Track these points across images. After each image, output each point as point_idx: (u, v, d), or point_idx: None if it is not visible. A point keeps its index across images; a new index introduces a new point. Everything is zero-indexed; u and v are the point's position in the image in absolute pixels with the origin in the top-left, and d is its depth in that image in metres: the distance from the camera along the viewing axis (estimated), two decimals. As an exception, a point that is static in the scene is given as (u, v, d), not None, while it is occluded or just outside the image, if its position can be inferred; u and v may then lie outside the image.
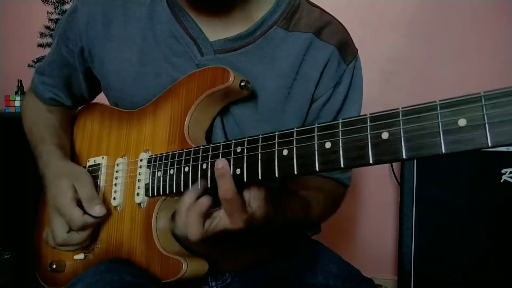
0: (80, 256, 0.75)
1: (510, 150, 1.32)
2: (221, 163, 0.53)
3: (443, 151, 0.39)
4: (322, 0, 0.81)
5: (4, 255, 1.61)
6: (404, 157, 0.41)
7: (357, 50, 0.78)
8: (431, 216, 1.39)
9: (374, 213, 1.87)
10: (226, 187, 0.53)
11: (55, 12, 1.92)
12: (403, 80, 1.80)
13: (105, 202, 0.75)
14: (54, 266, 0.77)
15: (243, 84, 0.66)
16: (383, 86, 1.81)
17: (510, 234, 1.32)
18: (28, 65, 2.03)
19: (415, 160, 1.40)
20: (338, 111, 0.76)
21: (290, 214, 0.67)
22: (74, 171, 0.74)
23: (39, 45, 1.90)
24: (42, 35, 1.95)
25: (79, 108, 0.92)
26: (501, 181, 1.33)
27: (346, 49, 0.75)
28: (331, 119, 0.75)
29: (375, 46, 1.80)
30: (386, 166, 1.80)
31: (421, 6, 1.78)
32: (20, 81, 1.86)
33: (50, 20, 1.93)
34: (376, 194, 1.83)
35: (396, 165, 1.75)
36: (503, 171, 1.33)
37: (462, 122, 0.38)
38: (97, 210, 0.69)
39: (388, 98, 1.78)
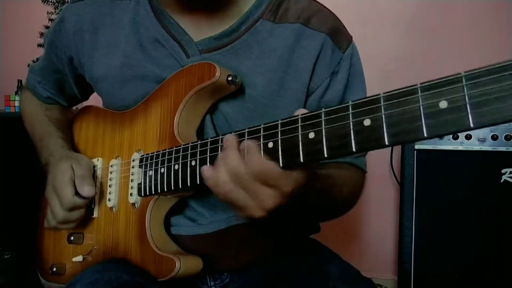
0: (79, 258, 0.76)
1: (510, 150, 1.32)
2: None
3: (425, 134, 0.38)
4: (321, 0, 0.80)
5: (4, 255, 1.61)
6: (386, 143, 0.41)
7: (351, 36, 0.75)
8: (431, 216, 1.39)
9: (374, 213, 1.87)
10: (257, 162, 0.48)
11: (55, 12, 1.92)
12: (403, 79, 1.79)
13: (101, 203, 0.75)
14: (55, 269, 0.78)
15: (230, 78, 0.65)
16: (383, 85, 1.80)
17: (510, 234, 1.32)
18: (28, 65, 2.03)
19: (415, 160, 1.40)
20: (341, 102, 0.71)
21: (322, 182, 0.60)
22: (75, 155, 0.77)
23: (39, 45, 1.90)
24: (42, 35, 1.94)
25: (75, 110, 0.94)
26: (501, 181, 1.33)
27: (339, 36, 0.72)
28: None
29: (375, 46, 1.80)
30: (386, 166, 1.79)
31: (421, 6, 1.77)
32: (20, 81, 1.86)
33: (50, 20, 1.93)
34: (376, 194, 1.83)
35: (396, 165, 1.74)
36: (503, 171, 1.33)
37: (443, 104, 0.37)
38: (86, 189, 0.70)
39: (388, 98, 1.77)
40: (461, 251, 1.36)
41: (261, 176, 0.48)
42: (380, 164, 1.79)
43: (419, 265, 1.39)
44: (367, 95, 0.74)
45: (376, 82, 1.83)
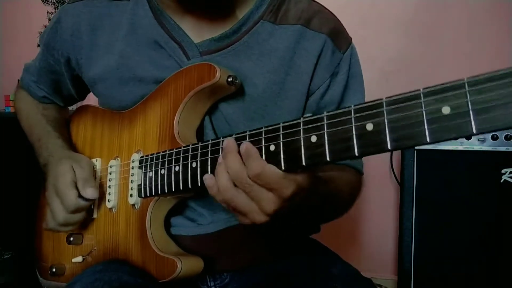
0: (79, 259, 0.75)
1: (510, 150, 1.32)
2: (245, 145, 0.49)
3: (428, 140, 0.38)
4: (321, 0, 0.80)
5: (4, 255, 1.61)
6: (389, 148, 0.41)
7: (350, 37, 0.75)
8: (431, 216, 1.39)
9: (374, 213, 1.87)
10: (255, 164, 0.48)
11: (55, 12, 1.92)
12: (402, 80, 1.79)
13: (101, 204, 0.75)
14: (54, 270, 0.77)
15: (230, 79, 0.65)
16: (382, 86, 1.81)
17: (510, 234, 1.32)
18: (27, 65, 2.03)
19: (415, 160, 1.40)
20: (339, 102, 0.74)
21: (324, 185, 0.60)
22: (75, 156, 0.76)
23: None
24: (42, 35, 1.94)
25: (72, 110, 0.92)
26: (501, 181, 1.33)
27: (339, 37, 0.73)
28: None
29: (375, 46, 1.80)
30: (386, 166, 1.79)
31: (421, 6, 1.77)
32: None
33: (50, 20, 1.93)
34: (376, 194, 1.83)
35: (396, 165, 1.74)
36: (503, 171, 1.33)
37: (446, 110, 0.37)
38: (89, 192, 0.69)
39: (388, 98, 1.77)
40: (461, 251, 1.36)
41: (261, 179, 0.48)
42: (380, 164, 1.80)
43: (419, 265, 1.39)
44: (366, 97, 0.76)
45: (376, 83, 1.83)
